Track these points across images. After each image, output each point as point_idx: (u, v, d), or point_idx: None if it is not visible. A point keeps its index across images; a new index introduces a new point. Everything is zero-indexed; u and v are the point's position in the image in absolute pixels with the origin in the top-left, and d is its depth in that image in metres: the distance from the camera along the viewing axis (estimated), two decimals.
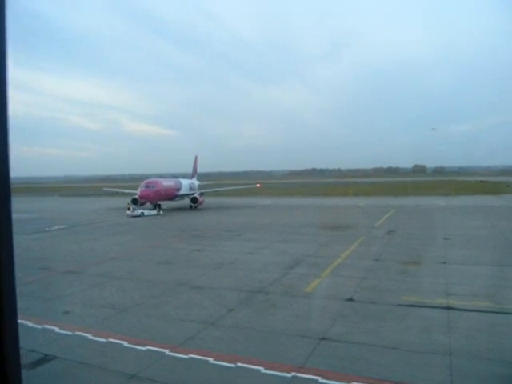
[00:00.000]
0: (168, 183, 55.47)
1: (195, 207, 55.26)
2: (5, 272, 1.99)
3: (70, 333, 12.13)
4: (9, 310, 2.00)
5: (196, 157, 73.49)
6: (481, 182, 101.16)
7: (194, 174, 70.42)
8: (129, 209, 47.79)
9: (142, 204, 50.61)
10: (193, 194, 57.48)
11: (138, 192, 49.50)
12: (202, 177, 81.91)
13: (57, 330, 12.34)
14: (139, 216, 46.36)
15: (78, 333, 12.07)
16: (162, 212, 49.75)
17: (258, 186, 73.93)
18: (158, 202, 51.13)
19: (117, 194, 79.71)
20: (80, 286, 17.42)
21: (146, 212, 48.00)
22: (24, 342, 2.11)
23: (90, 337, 11.78)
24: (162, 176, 58.00)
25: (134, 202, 49.78)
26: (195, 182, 66.61)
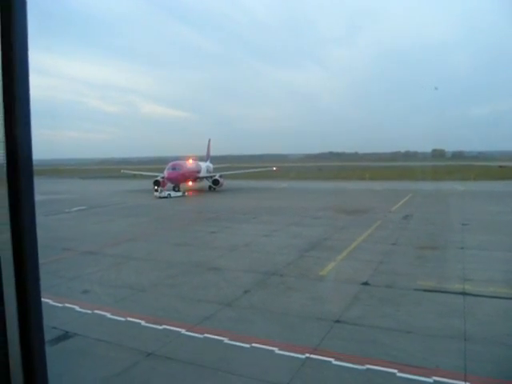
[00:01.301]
0: (191, 165, 56.86)
1: (214, 189, 56.43)
2: (29, 252, 2.05)
3: (89, 311, 12.44)
4: (33, 288, 2.07)
5: (209, 140, 74.17)
6: (500, 167, 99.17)
7: (207, 156, 70.83)
8: (156, 190, 49.48)
9: (163, 186, 51.86)
10: (213, 176, 58.46)
11: (166, 174, 50.73)
12: (216, 160, 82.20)
13: (77, 308, 12.66)
14: (166, 197, 47.74)
15: (97, 311, 12.38)
16: (186, 193, 51.17)
17: (274, 169, 73.86)
18: (178, 184, 52.30)
19: (134, 176, 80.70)
20: (99, 266, 17.76)
21: (173, 193, 49.46)
22: (46, 320, 2.19)
23: (108, 315, 12.06)
24: (178, 159, 58.31)
25: (156, 183, 51.93)
26: (210, 164, 67.10)
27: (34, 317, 2.08)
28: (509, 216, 29.42)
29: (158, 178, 53.45)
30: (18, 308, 2.01)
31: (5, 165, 1.95)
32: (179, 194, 50.23)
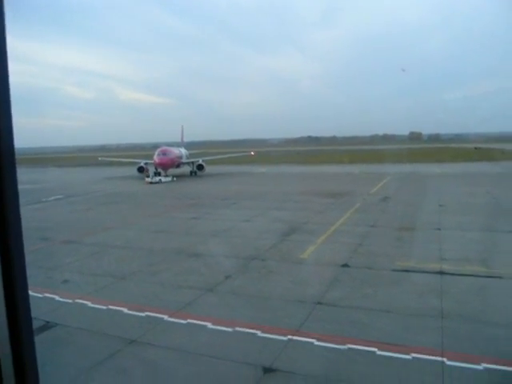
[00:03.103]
0: (176, 151, 57.97)
1: (195, 174, 58.03)
2: (15, 243, 2.02)
3: (70, 301, 12.33)
4: (20, 279, 2.04)
5: (182, 126, 74.83)
6: (475, 148, 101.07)
7: (182, 143, 70.73)
8: (147, 176, 51.03)
9: (146, 171, 54.08)
10: (195, 161, 59.75)
11: (156, 159, 52.11)
12: (195, 145, 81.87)
13: (57, 298, 12.54)
14: (157, 183, 49.03)
15: (78, 301, 12.29)
16: (175, 178, 52.23)
17: (252, 153, 74.40)
18: (166, 169, 53.70)
19: (111, 163, 80.00)
20: (78, 255, 17.58)
21: (163, 179, 50.81)
22: None
23: (89, 304, 11.99)
24: (156, 146, 58.37)
25: (140, 169, 55.01)
26: (186, 150, 67.25)
27: (22, 307, 2.05)
28: (484, 197, 30.08)
29: (142, 164, 55.80)
30: (5, 298, 1.98)
31: None
32: (169, 179, 51.51)
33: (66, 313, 11.56)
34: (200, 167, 58.02)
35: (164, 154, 53.15)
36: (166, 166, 52.92)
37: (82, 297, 12.53)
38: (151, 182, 48.86)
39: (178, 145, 65.30)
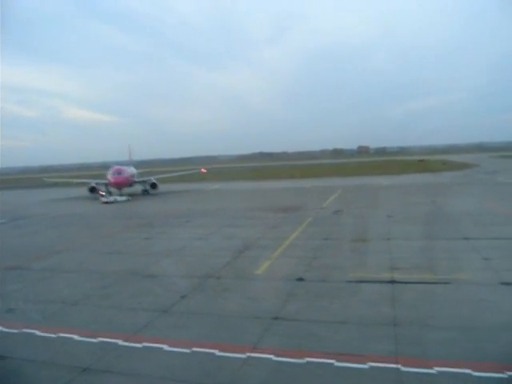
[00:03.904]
0: (129, 170, 57.50)
1: (147, 193, 57.43)
2: None
3: (15, 331, 11.68)
4: None
5: (129, 145, 74.04)
6: (419, 161, 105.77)
7: (130, 162, 69.83)
8: (102, 195, 50.59)
9: (99, 191, 53.28)
10: (147, 180, 59.25)
11: (111, 179, 52.06)
12: (144, 164, 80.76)
13: (1, 328, 11.86)
14: (112, 202, 48.49)
15: (25, 330, 11.66)
16: (130, 198, 51.53)
17: (202, 170, 74.37)
18: (121, 189, 53.35)
19: (55, 184, 77.73)
20: (25, 281, 16.75)
21: (119, 198, 50.26)
22: None
23: (37, 333, 11.41)
24: (104, 165, 57.41)
25: (92, 189, 54.27)
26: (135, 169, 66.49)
27: None
28: (429, 206, 31.38)
29: (93, 184, 55.33)
30: None
31: None
32: (124, 198, 50.87)
33: (11, 344, 10.92)
34: (153, 185, 57.42)
35: (119, 173, 52.84)
36: (121, 185, 52.60)
37: (29, 326, 11.89)
38: (107, 202, 48.30)
39: (126, 164, 64.30)
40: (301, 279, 14.87)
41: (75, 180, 68.45)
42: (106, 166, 56.62)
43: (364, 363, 8.69)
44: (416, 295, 12.80)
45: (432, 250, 18.13)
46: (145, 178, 60.92)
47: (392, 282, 13.97)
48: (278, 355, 9.28)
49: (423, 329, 10.30)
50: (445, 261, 16.37)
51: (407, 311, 11.44)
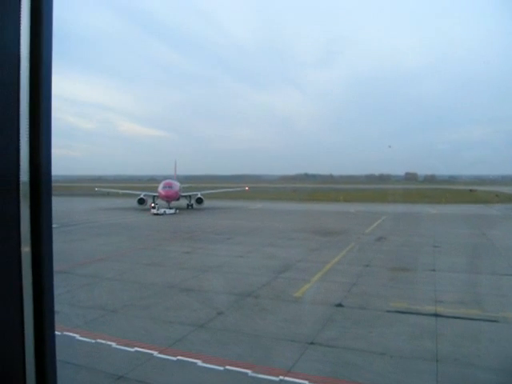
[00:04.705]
0: (178, 184, 59.39)
1: (192, 207, 59.39)
2: (46, 264, 2.16)
3: (58, 333, 12.04)
4: (48, 296, 2.19)
5: (175, 161, 76.27)
6: (470, 190, 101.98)
7: (175, 176, 71.55)
8: (153, 207, 52.55)
9: (149, 202, 55.94)
10: (194, 194, 61.03)
11: (162, 192, 53.80)
12: (190, 179, 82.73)
13: None
14: (162, 214, 50.67)
15: (66, 333, 12.02)
16: (177, 211, 53.54)
17: (246, 188, 76.09)
18: (170, 202, 55.00)
19: (108, 194, 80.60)
20: (68, 285, 17.32)
21: (167, 211, 52.37)
22: None
23: (78, 337, 11.74)
24: (153, 178, 59.33)
25: (141, 201, 56.63)
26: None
27: (48, 321, 2.19)
28: (479, 238, 30.13)
29: (142, 196, 57.57)
30: (34, 315, 2.11)
31: (28, 182, 2.03)
32: (172, 211, 52.74)
33: None
34: (199, 200, 58.95)
35: (170, 186, 54.75)
36: (171, 198, 54.28)
37: (70, 329, 12.25)
38: (157, 214, 50.58)
39: (171, 178, 65.97)
40: (340, 305, 14.56)
41: (125, 191, 70.97)
42: (155, 180, 58.31)
43: None
44: (461, 331, 12.22)
45: (480, 285, 17.34)
46: (191, 193, 62.51)
47: (435, 315, 13.41)
48: (311, 381, 9.07)
49: (468, 368, 9.77)
50: (493, 297, 15.60)
51: (451, 347, 10.91)
